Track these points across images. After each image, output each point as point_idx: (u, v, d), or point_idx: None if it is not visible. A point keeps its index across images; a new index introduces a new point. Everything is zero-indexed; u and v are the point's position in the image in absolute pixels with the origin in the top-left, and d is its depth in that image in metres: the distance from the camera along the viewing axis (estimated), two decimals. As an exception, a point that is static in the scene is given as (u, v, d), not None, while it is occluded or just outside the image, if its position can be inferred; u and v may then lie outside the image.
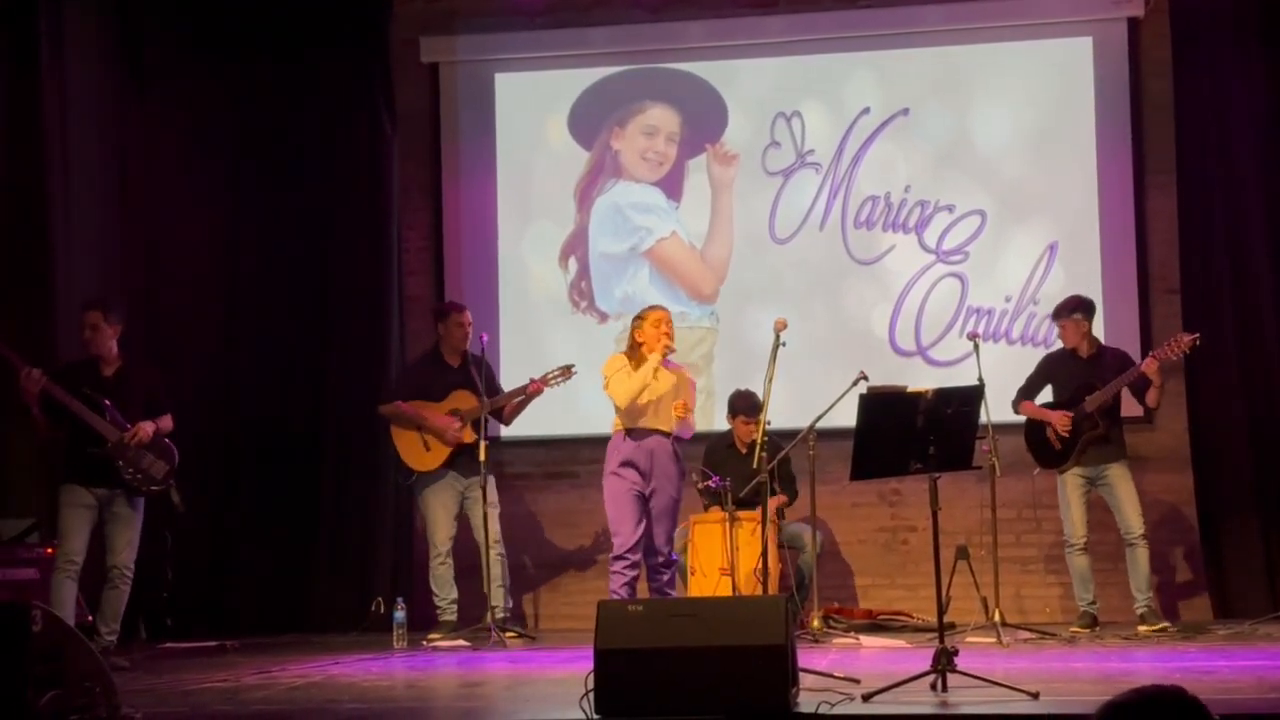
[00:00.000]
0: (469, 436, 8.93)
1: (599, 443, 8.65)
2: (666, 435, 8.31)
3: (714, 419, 9.82)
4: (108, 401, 7.97)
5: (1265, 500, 9.28)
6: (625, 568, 8.24)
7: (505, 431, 9.56)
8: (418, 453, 9.08)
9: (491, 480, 8.94)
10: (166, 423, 8.21)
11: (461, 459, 9.04)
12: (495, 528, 8.89)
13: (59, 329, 8.92)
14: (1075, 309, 8.75)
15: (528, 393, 9.01)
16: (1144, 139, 9.70)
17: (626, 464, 8.29)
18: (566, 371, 8.98)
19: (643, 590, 8.46)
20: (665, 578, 8.38)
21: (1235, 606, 9.13)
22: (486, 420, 8.84)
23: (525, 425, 9.50)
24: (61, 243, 9.20)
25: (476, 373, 9.00)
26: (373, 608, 9.37)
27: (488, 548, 8.76)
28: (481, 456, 8.66)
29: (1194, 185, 9.52)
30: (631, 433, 8.32)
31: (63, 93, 9.36)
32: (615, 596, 8.09)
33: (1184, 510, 9.49)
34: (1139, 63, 9.74)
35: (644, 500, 8.30)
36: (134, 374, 8.24)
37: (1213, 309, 9.37)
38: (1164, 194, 9.64)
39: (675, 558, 8.48)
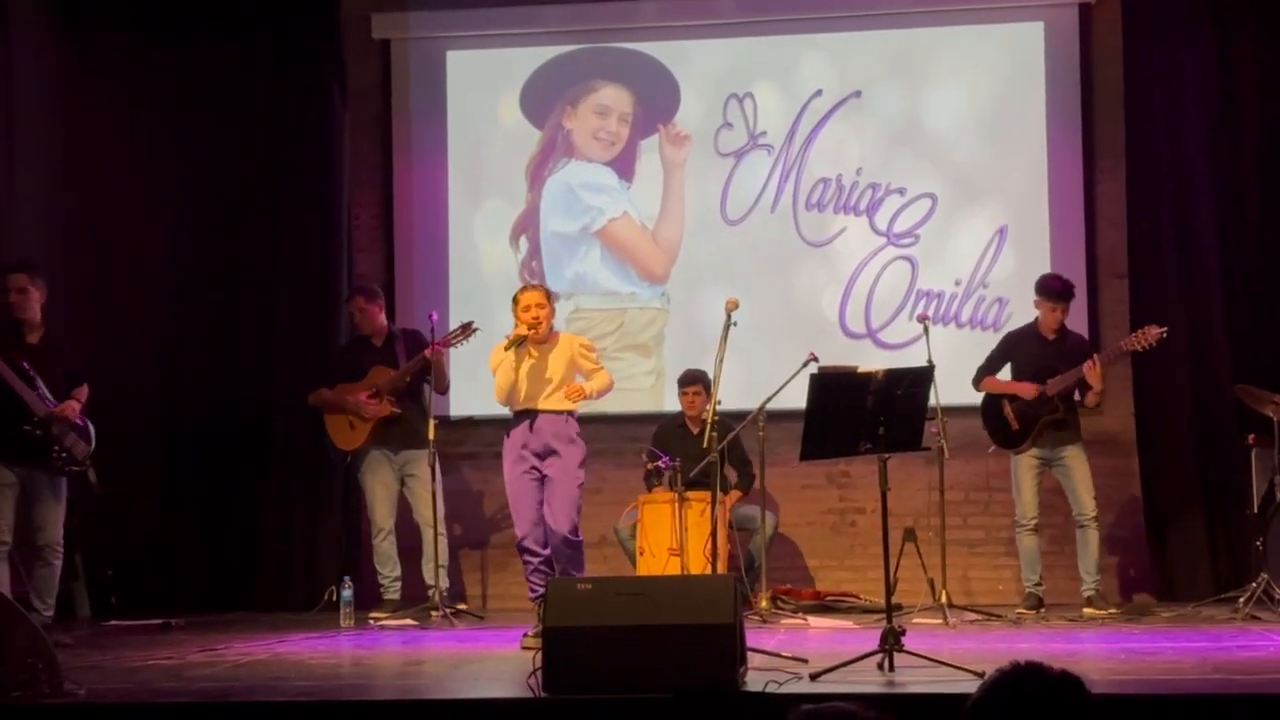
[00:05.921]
0: (386, 410, 8.89)
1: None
2: (558, 414, 7.89)
3: (664, 400, 9.82)
4: (30, 369, 7.86)
5: (1209, 484, 9.34)
6: (528, 557, 7.92)
7: (455, 411, 9.52)
8: (345, 433, 9.18)
9: (434, 458, 8.93)
10: (83, 393, 8.13)
11: (392, 435, 9.01)
12: (437, 507, 8.84)
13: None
14: (1071, 297, 8.71)
15: (426, 358, 8.84)
16: (1094, 124, 9.75)
17: (520, 448, 7.92)
18: (466, 329, 8.77)
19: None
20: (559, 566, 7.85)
21: (1179, 589, 9.21)
22: (431, 397, 8.86)
23: (475, 404, 9.51)
24: (4, 219, 9.07)
25: (403, 348, 9.02)
26: (326, 596, 9.12)
27: (434, 527, 8.74)
28: (431, 435, 8.64)
29: (1143, 170, 9.58)
30: (521, 415, 7.94)
31: (7, 69, 9.24)
32: (530, 586, 7.94)
33: (1129, 494, 9.55)
34: (1090, 48, 9.77)
35: (542, 483, 7.91)
36: (56, 343, 8.14)
37: (1160, 293, 9.44)
38: (1113, 179, 9.69)
39: (577, 539, 7.90)
